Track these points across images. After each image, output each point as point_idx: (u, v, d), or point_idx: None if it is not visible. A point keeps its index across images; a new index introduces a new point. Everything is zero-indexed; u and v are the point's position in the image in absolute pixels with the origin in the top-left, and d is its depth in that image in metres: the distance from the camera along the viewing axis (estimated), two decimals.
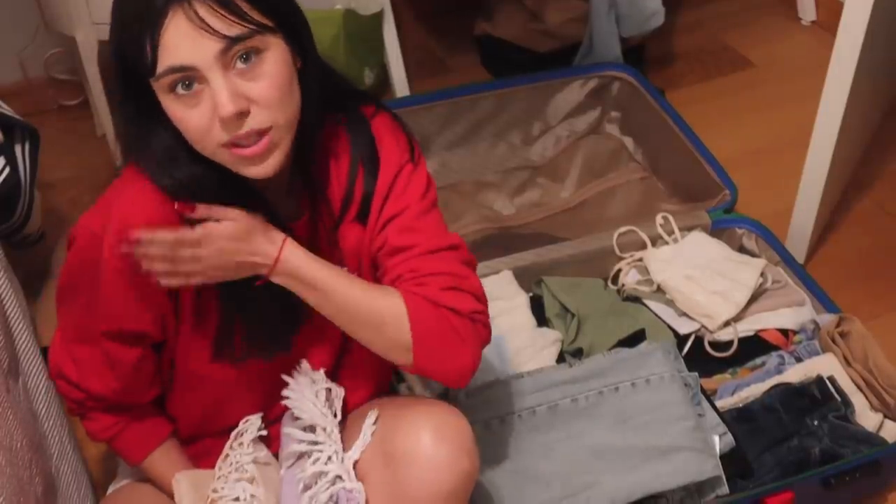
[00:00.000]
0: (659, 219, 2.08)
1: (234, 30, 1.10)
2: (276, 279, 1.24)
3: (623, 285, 2.01)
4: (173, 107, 1.14)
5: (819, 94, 1.98)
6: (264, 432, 1.40)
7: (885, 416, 1.79)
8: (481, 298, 1.33)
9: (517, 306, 1.93)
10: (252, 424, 1.40)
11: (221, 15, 1.09)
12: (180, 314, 1.31)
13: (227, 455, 1.39)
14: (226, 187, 1.21)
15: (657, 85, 2.49)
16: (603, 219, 2.27)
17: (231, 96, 1.11)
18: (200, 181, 1.20)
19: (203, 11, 1.08)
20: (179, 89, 1.12)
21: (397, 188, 1.33)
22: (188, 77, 1.11)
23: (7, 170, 1.88)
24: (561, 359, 1.86)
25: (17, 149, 1.94)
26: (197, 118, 1.13)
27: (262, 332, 1.33)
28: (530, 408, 1.64)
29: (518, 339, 1.87)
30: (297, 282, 1.24)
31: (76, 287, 1.31)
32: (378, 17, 2.50)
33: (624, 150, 2.46)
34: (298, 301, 1.27)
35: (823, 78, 1.95)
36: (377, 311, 1.27)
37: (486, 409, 1.63)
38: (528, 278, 2.00)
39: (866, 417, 1.77)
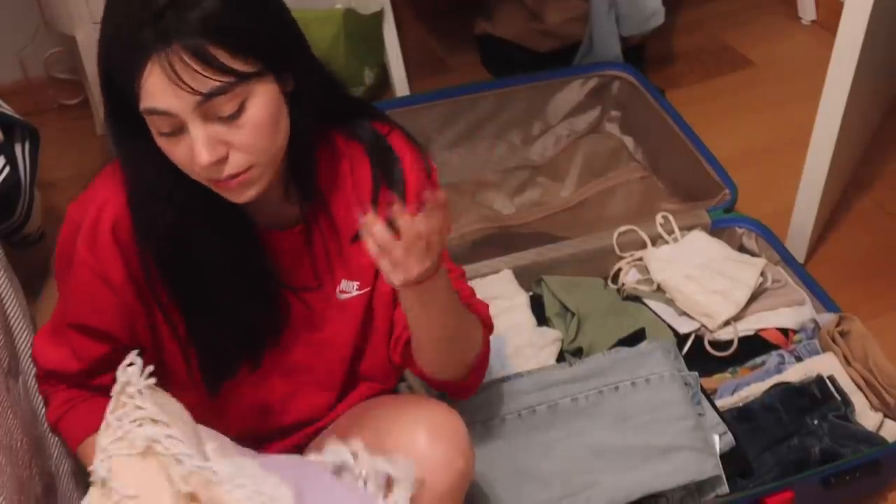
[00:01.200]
0: (659, 218, 2.08)
1: (208, 85, 1.07)
2: (427, 287, 1.18)
3: (623, 284, 2.01)
4: (158, 139, 1.14)
5: (819, 93, 1.98)
6: (153, 381, 1.18)
7: (885, 416, 1.79)
8: None
9: (517, 305, 1.93)
10: (133, 373, 1.16)
11: (195, 70, 1.06)
12: (154, 325, 1.30)
13: (109, 425, 1.14)
14: (204, 196, 1.20)
15: (657, 84, 2.49)
16: (603, 218, 2.27)
17: (208, 146, 1.10)
18: (175, 191, 1.20)
19: (178, 65, 1.06)
20: (163, 132, 1.12)
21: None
22: (169, 120, 1.10)
23: (7, 169, 1.88)
24: (561, 358, 1.86)
25: (18, 148, 1.94)
26: (179, 155, 1.13)
27: (218, 356, 1.32)
28: (530, 407, 1.64)
29: (518, 338, 1.87)
30: (442, 292, 1.22)
31: (59, 273, 1.32)
32: (378, 17, 2.50)
33: (624, 149, 2.46)
34: (261, 326, 1.30)
35: (823, 77, 1.95)
36: (471, 328, 1.35)
37: (486, 408, 1.63)
38: (528, 277, 2.01)
39: (866, 417, 1.77)
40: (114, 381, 1.27)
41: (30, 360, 1.48)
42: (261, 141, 1.13)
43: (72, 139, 2.51)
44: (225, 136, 1.11)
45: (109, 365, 1.31)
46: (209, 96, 1.08)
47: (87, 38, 2.22)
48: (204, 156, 1.10)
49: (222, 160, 1.12)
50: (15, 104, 2.01)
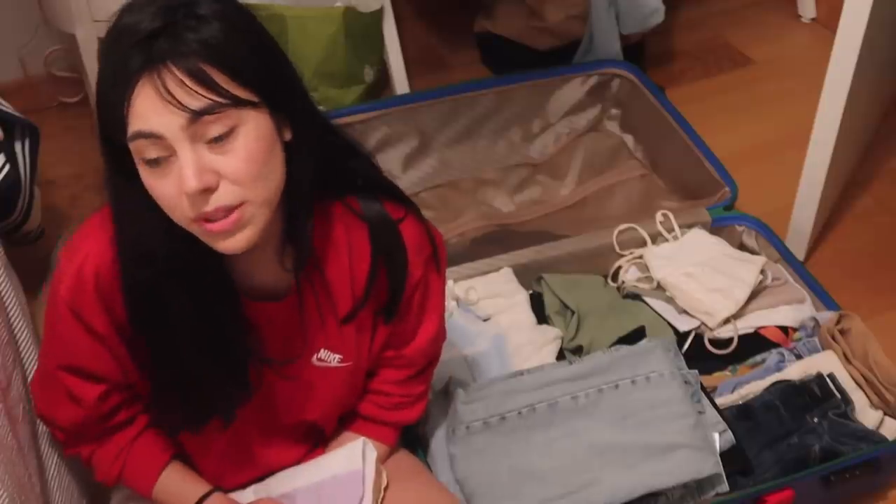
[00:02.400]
0: (659, 216, 2.08)
1: (198, 103, 1.03)
2: None
3: (623, 282, 2.01)
4: (145, 174, 1.08)
5: (819, 91, 1.98)
6: None
7: (885, 414, 1.79)
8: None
9: (517, 304, 1.93)
10: None
11: (189, 88, 1.03)
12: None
13: None
14: (191, 253, 1.16)
15: (657, 82, 2.49)
16: (603, 216, 2.27)
17: (196, 171, 1.05)
18: (165, 244, 1.15)
19: (171, 83, 1.03)
20: (149, 158, 1.06)
21: (414, 304, 1.36)
22: (156, 144, 1.05)
23: (7, 167, 1.88)
24: (561, 356, 1.86)
25: (17, 146, 1.94)
26: (166, 189, 1.07)
27: (177, 413, 1.30)
28: (530, 405, 1.64)
29: (518, 336, 1.87)
30: None
31: (48, 317, 1.29)
32: (378, 15, 2.50)
33: (624, 147, 2.46)
34: (223, 395, 1.27)
35: (823, 75, 1.95)
36: None
37: (486, 406, 1.63)
38: (527, 276, 2.00)
39: (866, 415, 1.77)
40: (124, 416, 1.33)
41: (29, 357, 1.48)
42: (253, 172, 1.08)
43: (72, 137, 2.50)
44: (215, 163, 1.06)
45: (110, 406, 1.31)
46: (199, 114, 1.03)
47: (87, 36, 2.22)
48: (192, 181, 1.04)
49: (211, 189, 1.06)
50: (15, 102, 2.00)
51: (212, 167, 1.06)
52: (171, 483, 1.36)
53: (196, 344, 1.21)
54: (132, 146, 1.07)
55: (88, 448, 1.35)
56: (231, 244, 1.11)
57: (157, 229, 1.13)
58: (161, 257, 1.15)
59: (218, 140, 1.06)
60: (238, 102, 1.06)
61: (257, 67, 1.08)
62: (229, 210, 1.08)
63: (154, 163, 1.06)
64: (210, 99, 1.04)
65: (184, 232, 1.12)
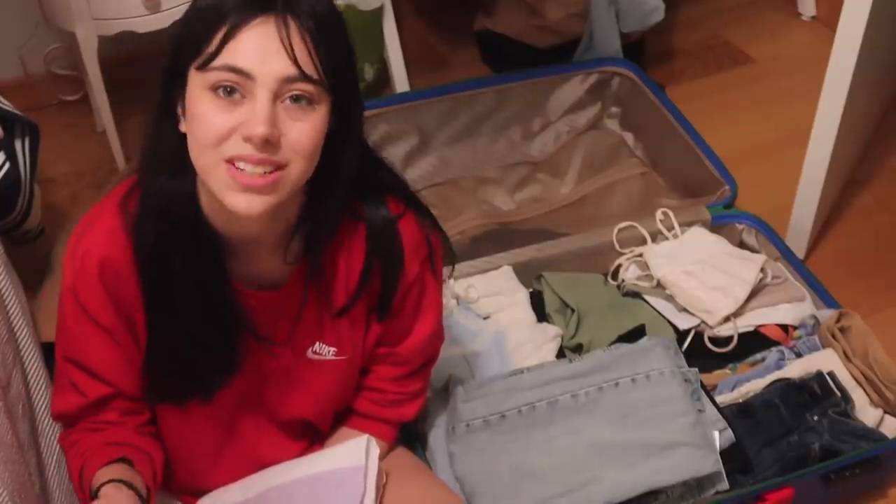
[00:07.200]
0: (659, 214, 2.08)
1: (310, 67, 1.08)
2: None
3: (623, 281, 2.01)
4: (203, 102, 1.08)
5: (819, 89, 1.98)
6: None
7: (885, 412, 1.79)
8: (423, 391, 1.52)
9: (517, 302, 1.93)
10: None
11: (308, 47, 1.07)
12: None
13: None
14: (196, 227, 1.18)
15: (657, 80, 2.49)
16: (603, 214, 2.27)
17: (269, 119, 1.07)
18: (182, 206, 1.17)
19: (295, 35, 1.07)
20: (220, 92, 1.07)
21: (409, 304, 1.36)
22: (237, 83, 1.07)
23: (7, 165, 1.88)
24: (561, 354, 1.86)
25: (17, 144, 1.94)
26: (221, 122, 1.08)
27: (166, 375, 1.29)
28: (530, 403, 1.64)
29: (518, 334, 1.87)
30: None
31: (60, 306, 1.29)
32: (378, 13, 2.50)
33: (624, 145, 2.46)
34: (211, 360, 1.27)
35: (823, 73, 1.95)
36: None
37: (486, 404, 1.63)
38: (527, 274, 2.00)
39: (866, 413, 1.78)
40: (114, 417, 1.30)
41: (30, 356, 1.48)
42: (310, 149, 1.11)
43: (72, 135, 2.51)
44: (284, 124, 1.09)
45: (111, 405, 1.30)
46: (304, 78, 1.07)
47: (87, 34, 2.22)
48: (262, 126, 1.06)
49: (270, 143, 1.08)
50: (15, 100, 2.00)
51: (281, 125, 1.09)
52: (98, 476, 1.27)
53: (188, 313, 1.23)
54: (210, 75, 1.07)
55: (73, 436, 1.32)
56: (246, 202, 1.11)
57: (181, 190, 1.16)
58: (175, 218, 1.17)
59: (297, 101, 1.09)
60: (325, 82, 1.09)
61: (342, 56, 1.13)
62: (271, 165, 1.09)
63: (228, 92, 1.07)
64: (318, 70, 1.08)
65: (198, 205, 1.16)
